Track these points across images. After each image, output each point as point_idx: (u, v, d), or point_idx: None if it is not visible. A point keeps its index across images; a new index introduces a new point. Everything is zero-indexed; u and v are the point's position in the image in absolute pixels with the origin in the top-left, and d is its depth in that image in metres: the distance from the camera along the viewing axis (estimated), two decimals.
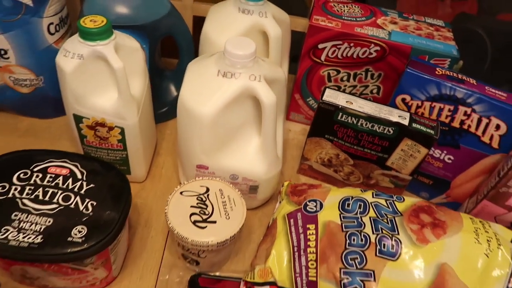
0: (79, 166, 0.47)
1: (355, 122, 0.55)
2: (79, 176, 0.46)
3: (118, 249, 0.47)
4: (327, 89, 0.57)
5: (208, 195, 0.49)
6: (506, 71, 0.81)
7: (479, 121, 0.53)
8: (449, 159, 0.59)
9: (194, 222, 0.47)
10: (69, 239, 0.41)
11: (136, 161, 0.58)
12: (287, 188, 0.56)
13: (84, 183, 0.45)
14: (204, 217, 0.47)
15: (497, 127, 0.52)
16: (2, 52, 0.59)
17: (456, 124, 0.55)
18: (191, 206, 0.48)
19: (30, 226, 0.41)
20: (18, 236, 0.40)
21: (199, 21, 0.70)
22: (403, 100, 0.57)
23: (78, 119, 0.52)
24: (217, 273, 0.53)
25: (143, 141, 0.57)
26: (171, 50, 0.73)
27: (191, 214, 0.47)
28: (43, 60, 0.62)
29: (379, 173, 0.60)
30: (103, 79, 0.50)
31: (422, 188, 0.64)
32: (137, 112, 0.53)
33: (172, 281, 0.52)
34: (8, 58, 0.60)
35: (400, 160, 0.57)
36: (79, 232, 0.42)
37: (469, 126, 0.54)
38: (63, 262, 0.41)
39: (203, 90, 0.49)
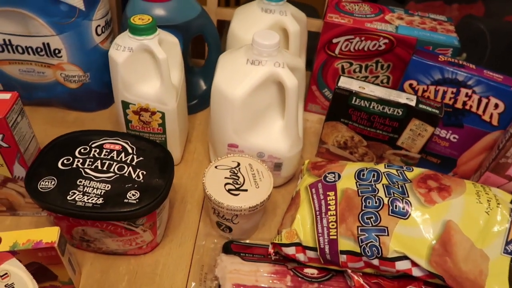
0: (129, 143, 0.55)
1: (367, 105, 0.62)
2: (130, 151, 0.54)
3: (162, 216, 0.55)
4: (341, 77, 0.64)
5: (239, 169, 0.56)
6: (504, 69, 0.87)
7: (479, 101, 0.60)
8: (454, 138, 0.65)
9: (229, 190, 0.54)
10: (125, 200, 0.48)
11: (173, 144, 0.66)
12: (308, 165, 0.62)
13: (135, 157, 0.53)
14: (237, 186, 0.54)
15: (496, 106, 0.58)
16: (57, 51, 0.67)
17: (459, 105, 0.62)
18: (225, 177, 0.55)
19: (92, 190, 0.49)
20: (83, 198, 0.48)
21: (221, 25, 0.78)
22: (410, 85, 0.64)
23: (125, 105, 0.60)
24: (247, 241, 0.60)
25: (180, 126, 0.64)
26: (198, 51, 0.82)
27: (225, 184, 0.54)
28: (90, 58, 0.70)
29: (391, 152, 0.67)
30: (148, 69, 0.58)
31: (431, 167, 0.69)
32: (176, 98, 0.60)
33: (207, 247, 0.59)
34: (61, 56, 0.68)
35: (409, 139, 0.63)
36: (133, 195, 0.49)
37: (471, 106, 0.61)
38: (121, 220, 0.49)
39: (234, 76, 0.56)
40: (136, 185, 0.50)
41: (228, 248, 0.58)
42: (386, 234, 0.48)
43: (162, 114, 0.60)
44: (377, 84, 0.64)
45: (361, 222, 0.50)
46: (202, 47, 0.79)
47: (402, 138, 0.64)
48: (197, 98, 0.79)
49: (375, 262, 0.48)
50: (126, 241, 0.53)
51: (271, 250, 0.55)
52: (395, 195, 0.51)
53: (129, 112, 0.61)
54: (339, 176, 0.56)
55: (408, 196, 0.51)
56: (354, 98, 0.62)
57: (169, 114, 0.61)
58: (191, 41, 0.77)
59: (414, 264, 0.47)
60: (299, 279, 0.53)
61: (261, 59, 0.55)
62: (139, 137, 0.56)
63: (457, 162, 0.67)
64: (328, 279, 0.54)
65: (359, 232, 0.49)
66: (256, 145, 0.60)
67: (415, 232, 0.48)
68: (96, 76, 0.73)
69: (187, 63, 0.78)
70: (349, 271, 0.52)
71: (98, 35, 0.69)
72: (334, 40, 0.71)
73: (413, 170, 0.55)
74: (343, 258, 0.50)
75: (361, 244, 0.49)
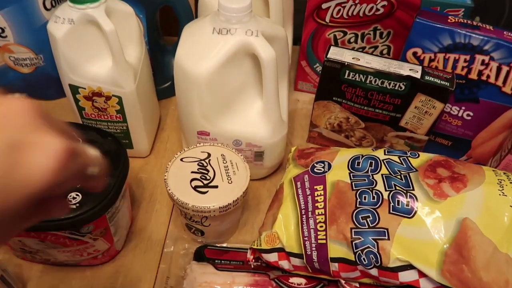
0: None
1: (363, 79, 0.52)
2: None
3: (118, 220, 0.46)
4: (331, 47, 0.54)
5: (209, 161, 0.47)
6: None
7: (499, 69, 0.49)
8: (468, 115, 0.55)
9: (195, 188, 0.44)
10: None
11: (137, 134, 0.56)
12: (294, 153, 0.53)
13: None
14: (205, 182, 0.45)
15: None
16: (0, 30, 0.58)
17: (473, 75, 0.51)
18: (192, 172, 0.46)
19: None
20: None
21: None
22: (414, 54, 0.53)
23: (74, 89, 0.51)
24: (224, 244, 0.51)
25: (144, 112, 0.55)
26: (172, 28, 0.71)
27: (192, 180, 0.45)
28: (41, 38, 0.60)
29: (393, 135, 0.57)
30: (96, 45, 0.48)
31: (441, 150, 0.59)
32: (133, 79, 0.51)
33: (177, 253, 0.50)
34: (6, 36, 0.59)
35: (415, 118, 0.53)
36: (73, 199, 0.40)
37: (488, 76, 0.50)
38: (59, 230, 0.40)
39: (198, 49, 0.46)
40: (77, 186, 0.41)
41: (201, 254, 0.49)
42: (386, 237, 0.39)
43: (118, 98, 0.51)
44: (374, 55, 0.53)
45: (356, 222, 0.40)
46: (177, 24, 0.68)
47: (406, 117, 0.54)
48: (170, 80, 0.69)
49: (374, 272, 0.39)
50: (75, 252, 0.44)
51: (249, 256, 0.46)
52: (397, 188, 0.41)
53: (80, 98, 0.51)
54: (329, 166, 0.46)
55: (413, 189, 0.41)
56: (347, 71, 0.52)
57: (128, 99, 0.51)
58: (159, 14, 0.67)
59: (422, 274, 0.38)
60: None
61: (229, 27, 0.45)
62: (88, 127, 0.47)
63: (471, 143, 0.57)
64: None
65: (353, 236, 0.40)
66: (231, 132, 0.51)
67: (422, 234, 0.39)
68: (52, 59, 0.63)
69: (157, 42, 0.68)
70: (343, 281, 0.43)
71: (47, 9, 0.59)
72: (324, 5, 0.60)
73: (418, 156, 0.45)
74: (334, 266, 0.41)
75: (355, 250, 0.39)
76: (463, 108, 0.54)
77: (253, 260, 0.46)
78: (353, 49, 0.64)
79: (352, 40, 0.63)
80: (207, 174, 0.46)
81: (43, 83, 0.66)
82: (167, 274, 0.47)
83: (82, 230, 0.41)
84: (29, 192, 0.18)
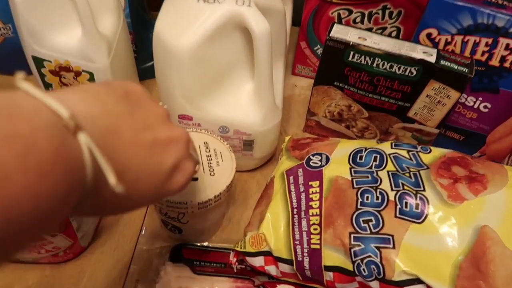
0: None
1: (369, 62, 0.46)
2: None
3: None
4: (335, 24, 0.47)
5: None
6: None
7: None
8: (485, 107, 0.49)
9: None
10: None
11: None
12: (288, 143, 0.47)
13: None
14: None
15: None
16: None
17: (495, 62, 0.45)
18: None
19: None
20: None
21: None
22: (429, 36, 0.47)
23: (38, 62, 0.44)
24: (205, 243, 0.45)
25: None
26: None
27: None
28: (9, 4, 0.54)
29: (400, 126, 0.51)
30: (64, 12, 0.42)
31: (451, 145, 0.53)
32: (107, 53, 0.44)
33: (152, 252, 0.44)
34: None
35: (425, 109, 0.47)
36: None
37: None
38: None
39: (181, 20, 0.40)
40: None
41: (178, 255, 0.43)
42: (391, 245, 0.33)
43: (90, 75, 0.45)
44: (383, 35, 0.47)
45: (356, 226, 0.35)
46: None
47: (415, 107, 0.48)
48: None
49: (374, 285, 0.34)
50: (31, 248, 0.39)
51: (232, 259, 0.40)
52: (406, 187, 0.36)
53: (45, 73, 0.45)
54: (328, 159, 0.40)
55: (424, 190, 0.35)
56: (352, 52, 0.46)
57: (101, 75, 0.45)
58: None
59: None
60: None
61: None
62: None
63: (486, 139, 0.51)
64: None
65: (352, 242, 0.34)
66: (217, 117, 0.45)
67: (433, 244, 0.33)
68: None
69: (141, 15, 0.61)
70: None
71: None
72: None
73: (430, 151, 0.39)
74: (329, 276, 0.36)
75: (354, 259, 0.34)
76: (480, 99, 0.48)
77: (236, 264, 0.40)
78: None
79: (358, 20, 0.57)
80: None
81: (13, 56, 0.59)
82: (138, 277, 0.42)
83: None
84: (166, 195, 0.25)
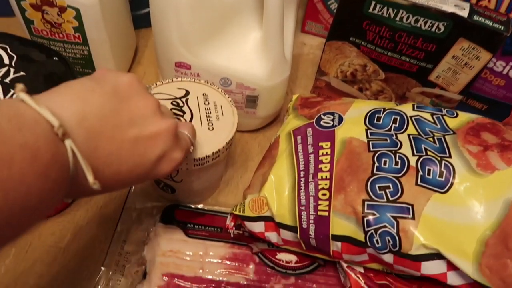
0: (8, 49, 0.34)
1: (392, 15, 0.41)
2: (6, 61, 0.33)
3: None
4: None
5: (187, 100, 0.36)
6: None
7: None
8: None
9: None
10: None
11: (102, 62, 0.45)
12: (296, 101, 0.42)
13: (12, 70, 0.33)
14: None
15: None
16: None
17: None
18: None
19: None
20: None
21: None
22: None
23: None
24: (200, 206, 0.41)
25: (111, 36, 0.43)
26: None
27: None
28: None
29: (418, 91, 0.46)
30: None
31: None
32: None
33: (142, 212, 0.40)
34: None
35: (449, 72, 0.43)
36: None
37: None
38: None
39: None
40: None
41: (170, 216, 0.40)
42: (410, 216, 0.29)
43: (76, 11, 0.39)
44: None
45: (370, 193, 0.31)
46: None
47: (438, 69, 0.43)
48: None
49: (388, 258, 0.30)
50: None
51: (229, 223, 0.37)
52: (429, 153, 0.32)
53: (26, 7, 0.40)
54: (341, 119, 0.36)
55: (449, 156, 0.31)
56: (373, 3, 0.41)
57: (89, 13, 0.40)
58: None
59: (452, 267, 0.29)
60: (268, 269, 0.36)
61: None
62: (30, 42, 0.36)
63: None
64: (311, 271, 0.36)
65: (366, 210, 0.30)
66: (218, 67, 0.40)
67: (458, 216, 0.29)
68: None
69: None
70: (344, 264, 0.34)
71: None
72: None
73: (457, 115, 0.35)
74: (336, 246, 0.32)
75: (367, 229, 0.30)
76: (511, 64, 0.44)
77: (233, 229, 0.37)
78: None
79: None
80: (182, 116, 0.35)
81: None
82: (125, 237, 0.38)
83: None
84: (149, 179, 0.27)
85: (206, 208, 0.41)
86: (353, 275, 0.33)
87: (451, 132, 0.33)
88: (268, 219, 0.35)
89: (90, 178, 0.20)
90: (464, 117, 0.35)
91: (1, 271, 0.36)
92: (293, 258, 0.37)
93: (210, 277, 0.34)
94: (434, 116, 0.35)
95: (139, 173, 0.24)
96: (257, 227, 0.35)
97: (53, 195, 0.19)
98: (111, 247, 0.38)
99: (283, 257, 0.37)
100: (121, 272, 0.36)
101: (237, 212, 0.36)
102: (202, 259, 0.35)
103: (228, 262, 0.35)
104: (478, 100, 0.48)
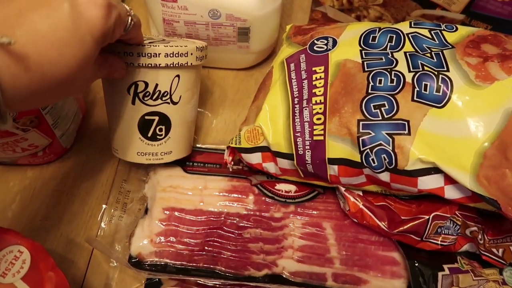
0: None
1: None
2: None
3: (57, 108, 0.35)
4: None
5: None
6: None
7: None
8: None
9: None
10: None
11: None
12: (290, 30, 0.41)
13: None
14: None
15: None
16: None
17: None
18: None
19: None
20: None
21: None
22: None
23: None
24: (198, 145, 0.41)
25: None
26: None
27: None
28: None
29: (418, 14, 0.44)
30: None
31: None
32: None
33: None
34: None
35: None
36: None
37: None
38: None
39: None
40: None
41: None
42: (406, 132, 0.29)
43: None
44: None
45: (365, 112, 0.30)
46: None
47: None
48: None
49: (384, 176, 0.30)
50: (3, 146, 0.35)
51: (227, 157, 0.37)
52: (426, 68, 0.30)
53: None
54: (335, 43, 0.35)
55: (447, 70, 0.30)
56: None
57: None
58: None
59: (449, 180, 0.28)
60: (267, 199, 0.36)
61: None
62: None
63: None
64: (310, 199, 0.36)
65: (361, 129, 0.30)
66: None
67: (455, 129, 0.28)
68: None
69: None
70: (342, 189, 0.34)
71: None
72: None
73: (456, 29, 0.33)
74: (333, 170, 0.32)
75: (362, 149, 0.30)
76: None
77: (232, 163, 0.37)
78: None
79: None
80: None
81: None
82: (125, 177, 0.38)
83: None
84: (96, 35, 0.23)
85: (203, 146, 0.41)
86: (351, 198, 0.33)
87: (450, 47, 0.32)
88: (265, 150, 0.34)
89: None
90: (464, 30, 0.33)
91: (8, 216, 0.37)
92: (292, 187, 0.37)
93: (210, 209, 0.35)
94: (432, 32, 0.33)
95: (63, 32, 0.21)
96: (254, 158, 0.35)
97: None
98: (112, 187, 0.38)
99: (282, 187, 0.37)
100: (123, 209, 0.37)
101: (233, 145, 0.35)
102: (201, 192, 0.36)
103: (227, 194, 0.36)
104: (482, 20, 0.46)
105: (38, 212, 0.37)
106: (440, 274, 0.31)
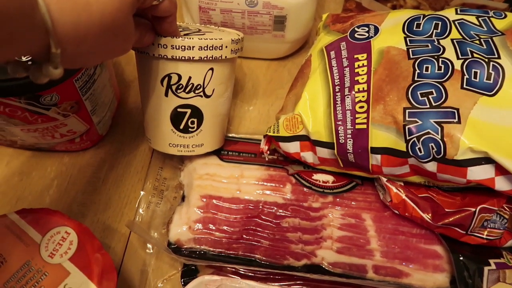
0: None
1: None
2: None
3: (95, 94, 0.36)
4: None
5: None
6: None
7: None
8: None
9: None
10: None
11: None
12: (326, 19, 0.40)
13: None
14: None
15: None
16: None
17: None
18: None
19: None
20: None
21: None
22: None
23: None
24: (231, 134, 0.41)
25: None
26: None
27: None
28: None
29: (458, 3, 0.43)
30: None
31: None
32: None
33: None
34: None
35: None
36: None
37: None
38: (10, 95, 0.30)
39: None
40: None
41: None
42: (456, 120, 0.28)
43: None
44: None
45: (412, 100, 0.29)
46: None
47: None
48: None
49: (431, 166, 0.29)
50: (44, 132, 0.35)
51: (263, 146, 0.36)
52: (475, 55, 0.29)
53: None
54: (377, 30, 0.34)
55: (498, 57, 0.29)
56: None
57: None
58: None
59: (501, 171, 0.28)
60: (305, 189, 0.35)
61: None
62: None
63: None
64: (349, 189, 0.36)
65: (407, 118, 0.29)
66: None
67: (508, 119, 0.27)
68: None
69: None
70: (384, 179, 0.33)
71: None
72: None
73: (505, 16, 0.32)
74: (375, 159, 0.31)
75: (408, 138, 0.29)
76: None
77: (268, 152, 0.36)
78: None
79: None
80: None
81: None
82: (161, 164, 0.38)
83: (44, 101, 0.31)
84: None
85: (238, 136, 0.40)
86: (393, 188, 0.33)
87: (499, 34, 0.31)
88: (303, 139, 0.34)
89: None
90: None
91: (46, 201, 0.38)
92: (330, 178, 0.36)
93: (247, 197, 0.34)
94: (480, 19, 0.32)
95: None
96: (292, 147, 0.35)
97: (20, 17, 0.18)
98: (148, 174, 0.38)
99: (319, 177, 0.36)
100: (160, 196, 0.36)
101: (271, 133, 0.35)
102: (238, 181, 0.35)
103: (264, 183, 0.35)
104: None
105: (75, 198, 0.38)
106: (486, 268, 0.30)
